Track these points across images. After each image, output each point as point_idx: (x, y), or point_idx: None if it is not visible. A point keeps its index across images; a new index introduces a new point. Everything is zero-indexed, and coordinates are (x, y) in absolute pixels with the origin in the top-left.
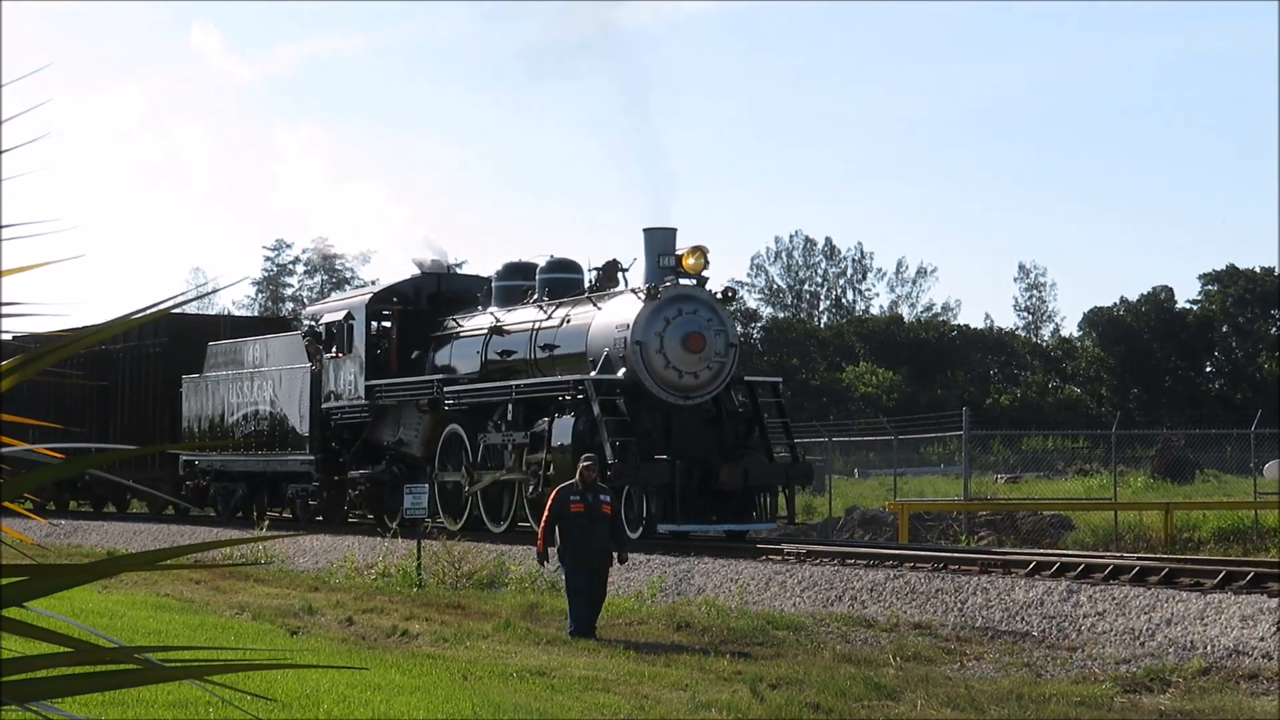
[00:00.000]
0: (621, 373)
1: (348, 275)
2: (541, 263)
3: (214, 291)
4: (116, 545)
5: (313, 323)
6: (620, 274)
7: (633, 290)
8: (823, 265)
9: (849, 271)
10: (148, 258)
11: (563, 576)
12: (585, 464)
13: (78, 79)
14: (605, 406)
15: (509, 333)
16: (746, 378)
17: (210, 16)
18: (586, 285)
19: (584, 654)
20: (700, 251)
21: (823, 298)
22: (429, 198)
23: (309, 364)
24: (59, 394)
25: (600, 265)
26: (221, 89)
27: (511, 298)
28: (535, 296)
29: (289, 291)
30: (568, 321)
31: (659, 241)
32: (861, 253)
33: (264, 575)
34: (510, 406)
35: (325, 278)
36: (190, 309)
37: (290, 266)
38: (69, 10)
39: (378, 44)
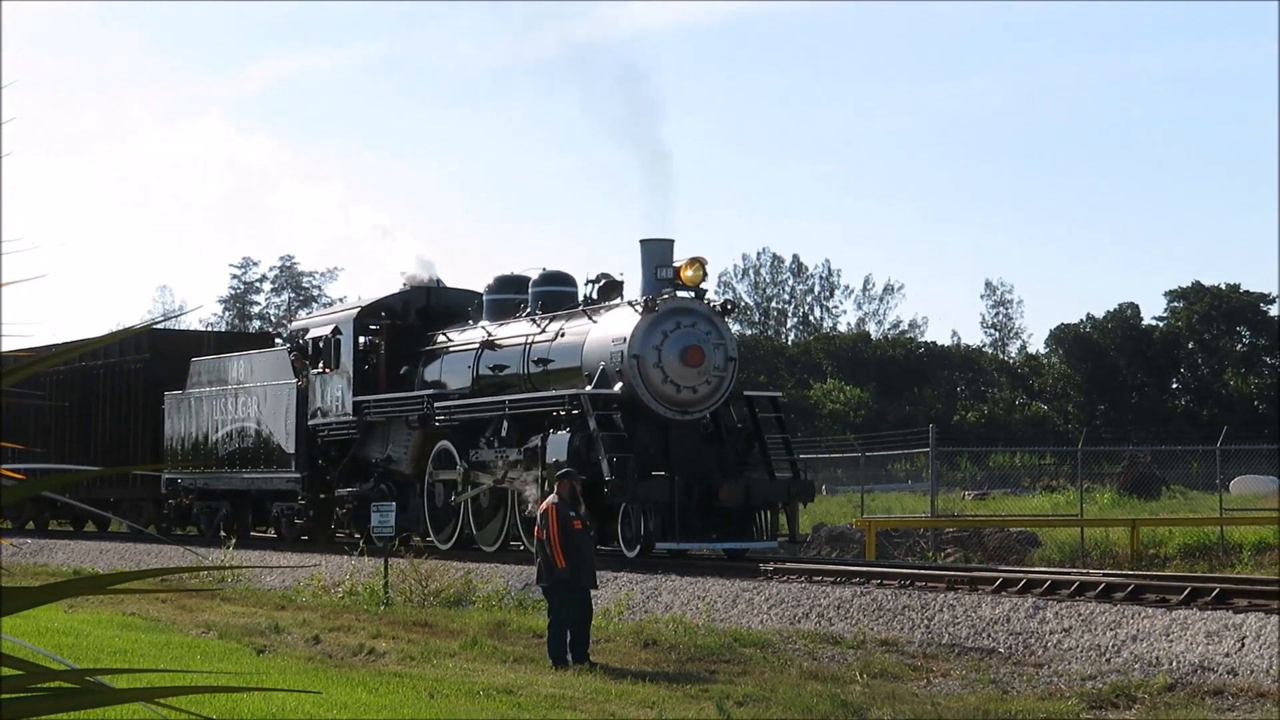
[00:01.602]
0: (618, 387)
1: (314, 293)
2: (534, 276)
3: (180, 314)
4: (83, 564)
5: (299, 338)
6: (616, 287)
7: (629, 303)
8: (790, 282)
9: (816, 288)
10: (114, 276)
11: (544, 597)
12: (572, 479)
13: (41, 95)
14: (602, 422)
15: (501, 347)
16: (746, 392)
17: (179, 36)
18: (581, 298)
19: (551, 672)
20: (699, 263)
21: (790, 315)
22: (414, 215)
23: (295, 380)
24: (40, 414)
25: (595, 278)
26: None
27: (503, 311)
28: (528, 310)
29: (256, 309)
30: (562, 335)
31: (656, 253)
32: (829, 270)
33: (231, 594)
34: (504, 423)
35: (292, 295)
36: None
37: (257, 284)
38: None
39: (349, 63)
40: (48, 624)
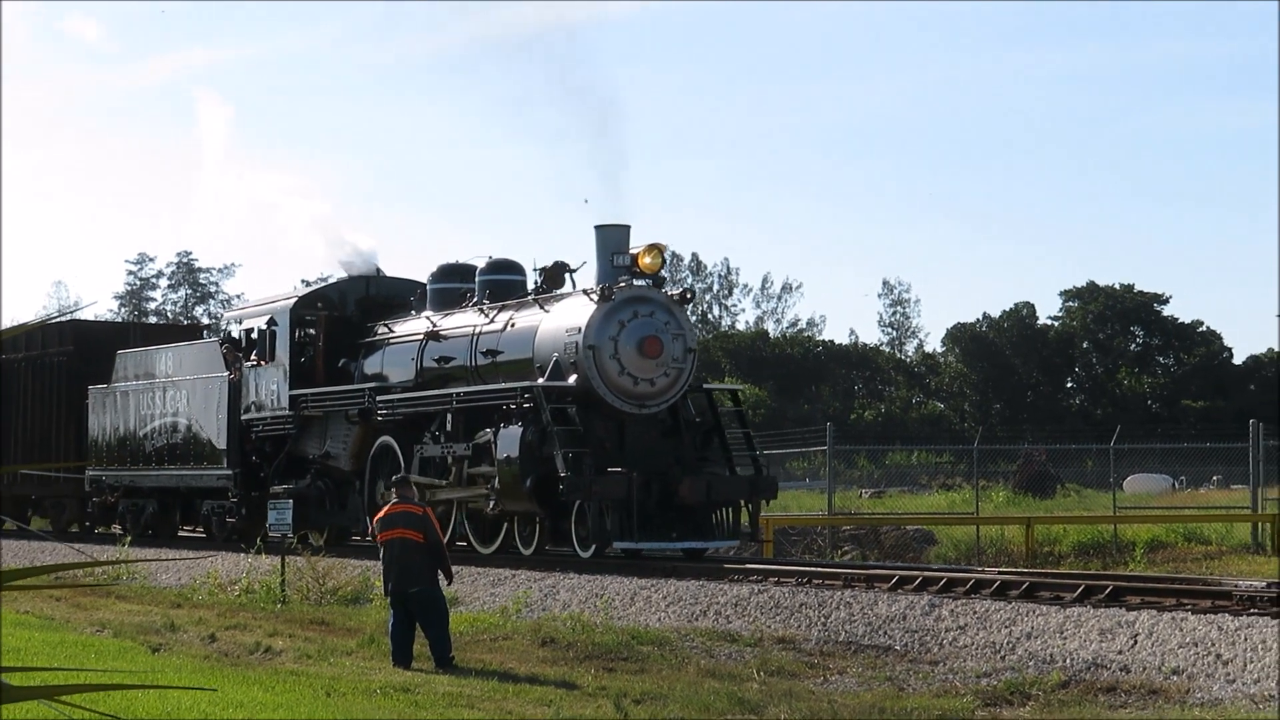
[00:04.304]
0: (572, 379)
1: (211, 289)
2: (480, 264)
3: (77, 309)
4: None
5: (231, 330)
6: (567, 275)
7: (584, 291)
8: (688, 280)
9: (715, 287)
10: (6, 272)
11: (422, 601)
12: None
13: None
14: (556, 415)
15: (447, 338)
16: (705, 385)
17: (79, 25)
18: (531, 287)
19: (448, 670)
20: (657, 250)
21: (689, 313)
22: (344, 205)
23: (226, 373)
24: None
25: (545, 266)
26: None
27: (448, 301)
28: (475, 300)
29: (153, 305)
30: (512, 325)
31: (612, 239)
32: (727, 268)
33: (126, 592)
34: (449, 416)
35: (189, 291)
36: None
37: (154, 280)
38: None
39: (268, 54)
40: None
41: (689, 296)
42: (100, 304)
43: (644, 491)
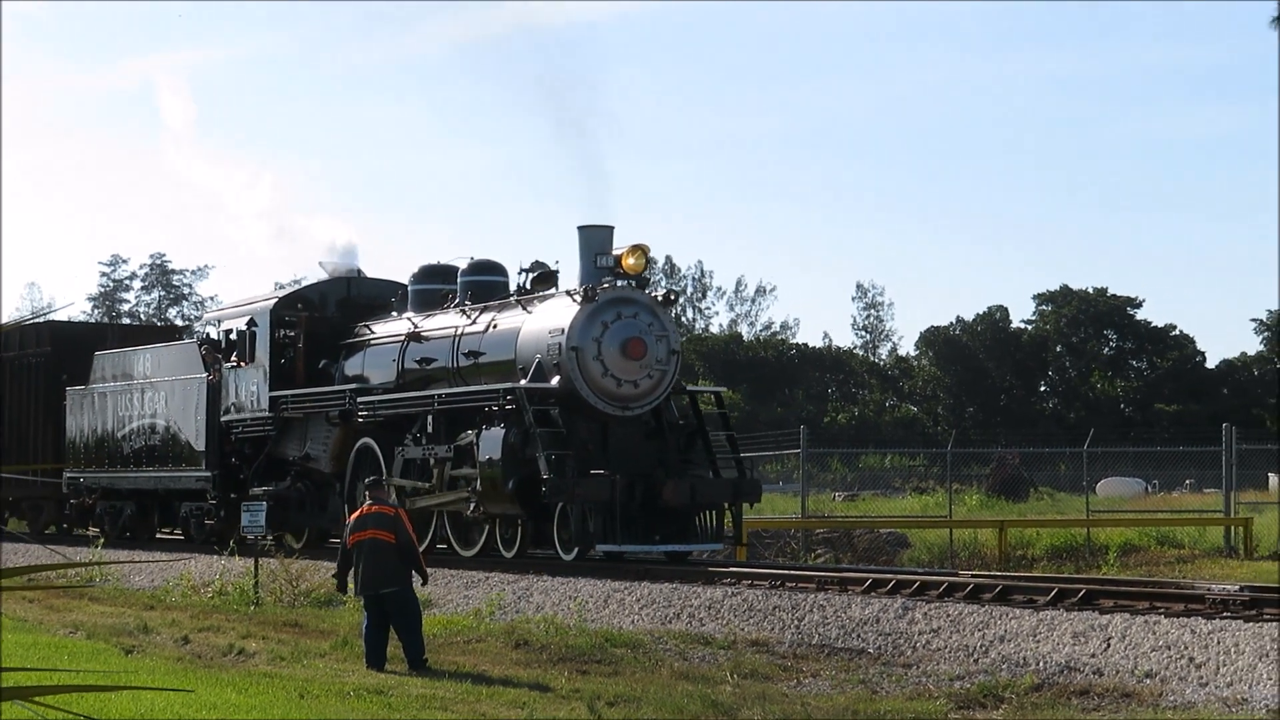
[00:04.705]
0: (555, 381)
1: (185, 291)
2: (462, 265)
3: (51, 311)
4: None
5: (211, 330)
6: (550, 276)
7: (567, 292)
8: (663, 283)
9: (689, 290)
10: None
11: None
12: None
13: None
14: (539, 417)
15: (428, 339)
16: (689, 387)
17: (50, 30)
18: (514, 288)
19: (421, 672)
20: (641, 250)
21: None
22: (326, 205)
23: (205, 374)
24: None
25: (528, 266)
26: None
27: (429, 302)
28: (456, 301)
29: (126, 307)
30: (494, 326)
31: (595, 240)
32: (701, 271)
33: (99, 594)
34: (431, 418)
35: (163, 293)
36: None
37: (127, 282)
38: None
39: (242, 55)
40: None
41: (672, 298)
42: (74, 306)
43: (627, 494)
